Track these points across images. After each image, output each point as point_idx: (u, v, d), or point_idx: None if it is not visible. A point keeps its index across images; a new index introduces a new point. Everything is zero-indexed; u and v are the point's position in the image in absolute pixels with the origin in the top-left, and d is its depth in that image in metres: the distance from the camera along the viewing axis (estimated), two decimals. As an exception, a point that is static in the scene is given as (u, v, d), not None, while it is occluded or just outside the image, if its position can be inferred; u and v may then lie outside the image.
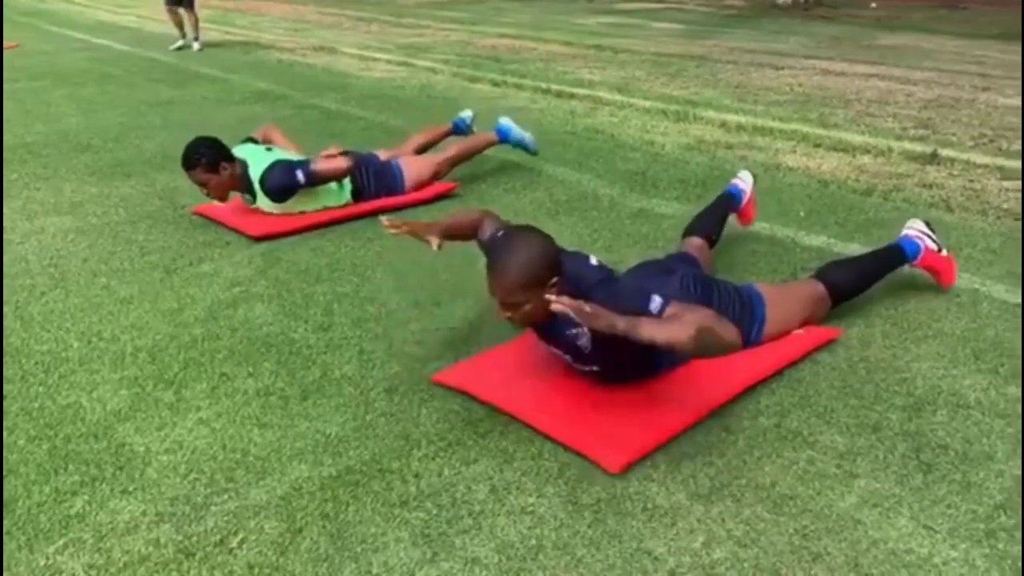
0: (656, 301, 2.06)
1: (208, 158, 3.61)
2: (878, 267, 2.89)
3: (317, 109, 6.33)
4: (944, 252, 3.01)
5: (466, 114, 4.69)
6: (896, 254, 2.92)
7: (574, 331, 2.18)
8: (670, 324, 1.96)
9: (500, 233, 2.31)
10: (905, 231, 3.01)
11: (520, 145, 4.39)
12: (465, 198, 4.16)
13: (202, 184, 3.65)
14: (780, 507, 1.93)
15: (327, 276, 3.27)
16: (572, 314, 1.92)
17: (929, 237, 2.98)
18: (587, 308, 1.91)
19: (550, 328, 2.23)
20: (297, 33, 11.05)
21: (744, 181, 3.32)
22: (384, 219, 2.57)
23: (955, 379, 2.47)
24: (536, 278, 2.06)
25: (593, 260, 2.29)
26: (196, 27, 9.43)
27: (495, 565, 1.78)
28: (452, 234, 2.55)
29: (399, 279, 3.22)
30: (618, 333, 1.93)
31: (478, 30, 11.04)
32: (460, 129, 4.63)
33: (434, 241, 2.49)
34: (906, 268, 2.96)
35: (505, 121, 4.38)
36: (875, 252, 2.98)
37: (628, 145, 5.17)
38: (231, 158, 3.69)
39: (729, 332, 1.99)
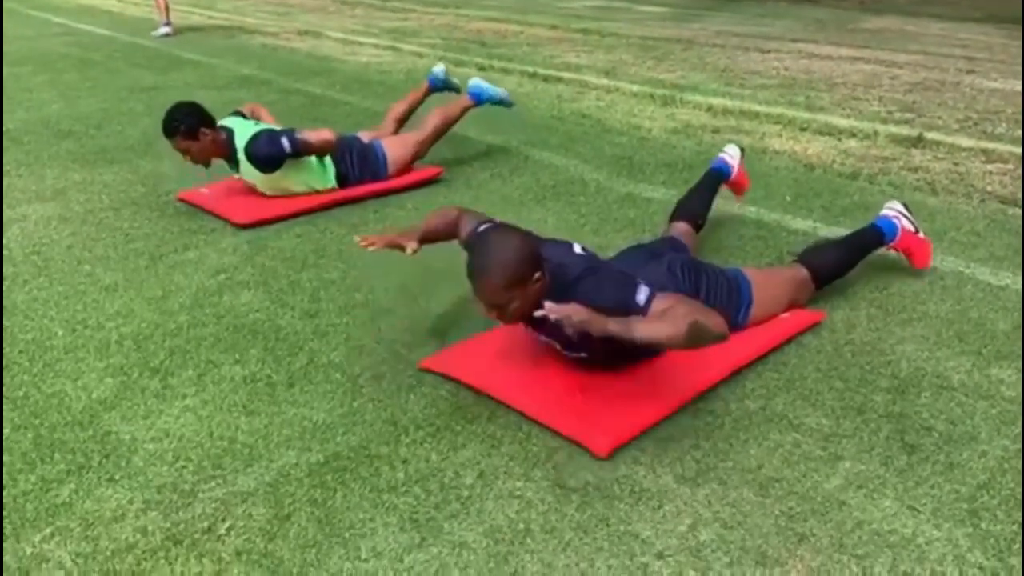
0: (643, 293, 2.06)
1: (187, 125, 3.61)
2: (858, 249, 2.91)
3: (302, 94, 6.28)
4: (921, 234, 3.03)
5: (438, 68, 4.65)
6: (875, 235, 2.94)
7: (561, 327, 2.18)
8: (661, 322, 1.98)
9: (478, 232, 2.30)
10: (883, 212, 3.02)
11: (496, 101, 4.36)
12: (452, 183, 4.14)
13: (184, 151, 3.65)
14: (766, 489, 1.95)
15: (313, 263, 3.25)
16: (563, 322, 1.92)
17: (906, 218, 2.99)
18: (576, 316, 1.93)
19: (538, 319, 2.23)
20: (281, 17, 10.95)
21: (730, 155, 3.31)
22: (357, 238, 2.53)
23: (939, 361, 2.49)
24: (518, 277, 2.05)
25: (577, 247, 2.29)
26: (166, 11, 9.31)
27: (483, 549, 1.79)
28: (430, 238, 2.51)
29: (386, 266, 3.20)
30: (611, 336, 1.95)
31: (464, 14, 10.97)
32: (436, 85, 4.60)
33: (410, 246, 2.46)
34: (883, 250, 2.98)
35: (475, 81, 4.35)
36: (854, 234, 2.99)
37: (615, 130, 5.16)
38: (212, 124, 3.68)
39: (717, 324, 2.01)
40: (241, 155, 3.68)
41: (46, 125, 5.41)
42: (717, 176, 3.24)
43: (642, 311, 2.05)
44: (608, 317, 1.99)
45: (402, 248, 2.47)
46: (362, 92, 6.33)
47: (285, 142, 3.65)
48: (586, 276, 2.14)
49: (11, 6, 12.40)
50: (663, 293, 2.12)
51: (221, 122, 3.76)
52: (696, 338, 1.97)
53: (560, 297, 2.06)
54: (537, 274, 2.08)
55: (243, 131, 3.71)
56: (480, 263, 2.08)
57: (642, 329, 1.97)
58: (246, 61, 7.67)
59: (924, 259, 3.02)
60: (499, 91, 4.36)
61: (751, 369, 2.42)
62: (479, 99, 4.30)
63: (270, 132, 3.70)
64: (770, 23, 9.99)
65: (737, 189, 3.39)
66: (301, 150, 3.70)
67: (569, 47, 8.32)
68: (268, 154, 3.65)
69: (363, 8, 11.92)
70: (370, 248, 2.46)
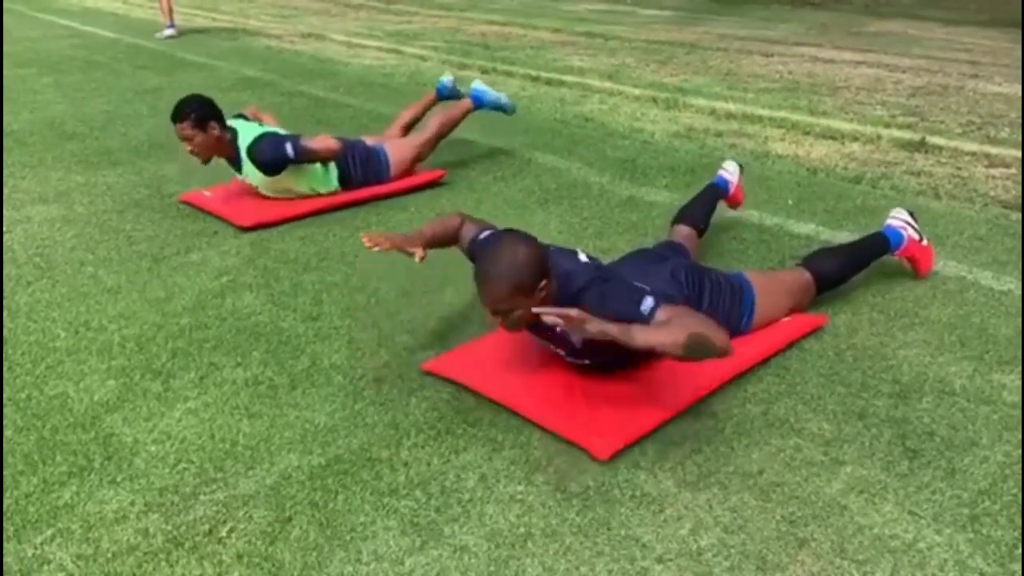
0: (648, 302, 2.06)
1: (198, 113, 3.60)
2: (863, 256, 2.90)
3: (305, 96, 6.29)
4: (925, 241, 3.03)
5: (447, 78, 4.66)
6: (880, 243, 2.94)
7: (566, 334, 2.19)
8: (662, 329, 1.98)
9: (483, 238, 2.29)
10: (889, 220, 3.02)
11: (496, 107, 4.36)
12: (454, 186, 4.15)
13: (187, 139, 3.62)
14: (767, 494, 1.95)
15: (316, 265, 3.26)
16: (561, 323, 1.93)
17: (912, 227, 3.00)
18: (574, 315, 1.92)
19: (543, 325, 2.23)
20: (285, 19, 10.97)
21: (729, 171, 3.32)
22: (364, 237, 2.47)
23: (941, 366, 2.48)
24: (524, 284, 2.05)
25: (582, 255, 2.29)
26: (170, 13, 9.33)
27: (484, 553, 1.79)
28: (434, 242, 2.50)
29: (388, 268, 3.21)
30: (611, 339, 1.95)
31: (467, 16, 10.98)
32: (443, 94, 4.62)
33: (418, 252, 2.42)
34: (887, 257, 2.98)
35: (477, 85, 4.35)
36: (860, 241, 2.99)
37: (618, 133, 5.16)
38: (222, 121, 3.68)
39: (720, 339, 2.00)
40: (244, 157, 3.68)
41: (50, 126, 5.43)
42: (715, 191, 3.24)
43: (646, 320, 2.05)
44: (608, 322, 1.99)
45: (409, 253, 2.44)
46: (365, 95, 6.33)
47: (289, 148, 3.65)
48: (592, 285, 2.14)
49: (17, 8, 12.44)
50: (670, 303, 2.11)
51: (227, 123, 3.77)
52: (696, 349, 1.95)
53: (566, 305, 2.06)
54: (543, 282, 2.08)
55: (247, 133, 3.72)
56: (487, 269, 2.07)
57: (642, 334, 1.97)
58: (250, 63, 7.68)
59: (927, 266, 3.03)
60: (501, 96, 4.36)
61: (753, 373, 2.42)
62: (480, 103, 4.31)
63: (275, 136, 3.70)
64: (773, 27, 9.99)
65: (732, 203, 3.39)
66: (304, 157, 3.71)
67: (572, 50, 8.32)
68: (272, 158, 3.65)
69: (367, 11, 11.93)
70: (375, 248, 2.44)
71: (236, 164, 3.76)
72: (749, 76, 6.90)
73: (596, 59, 7.79)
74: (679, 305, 2.15)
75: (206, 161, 3.74)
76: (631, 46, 8.53)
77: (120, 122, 5.52)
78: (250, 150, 3.66)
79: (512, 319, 2.12)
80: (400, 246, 2.45)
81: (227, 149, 3.71)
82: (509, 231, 2.22)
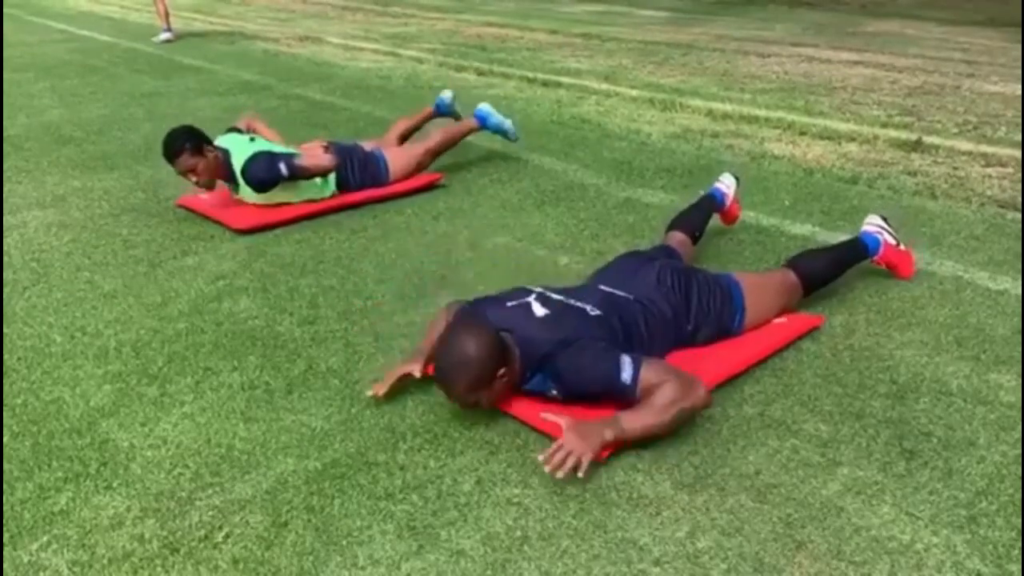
0: (627, 370, 2.08)
1: (192, 143, 3.59)
2: (844, 260, 2.92)
3: (302, 100, 6.29)
4: (902, 246, 3.03)
5: (446, 94, 4.67)
6: (859, 249, 2.95)
7: (542, 391, 2.21)
8: (648, 412, 2.04)
9: (441, 332, 2.23)
10: (865, 227, 3.03)
11: (499, 131, 4.37)
12: (451, 188, 4.15)
13: (190, 170, 3.60)
14: (764, 496, 1.95)
15: (312, 269, 3.25)
16: (569, 467, 1.92)
17: (887, 231, 3.00)
18: (576, 447, 1.93)
19: (521, 391, 2.24)
20: (282, 23, 10.97)
21: (726, 184, 3.31)
22: (369, 393, 2.32)
23: (938, 366, 2.48)
24: (481, 379, 2.08)
25: (536, 308, 2.24)
26: (167, 17, 9.33)
27: (481, 557, 1.78)
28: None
29: (385, 271, 3.21)
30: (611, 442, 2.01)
31: (464, 19, 10.99)
32: (442, 110, 4.63)
33: (416, 369, 2.32)
34: (867, 264, 2.98)
35: (484, 107, 4.36)
36: (840, 246, 3.01)
37: (615, 134, 5.17)
38: (211, 143, 3.67)
39: (698, 398, 2.09)
40: (239, 177, 3.68)
41: (47, 131, 5.42)
42: (711, 202, 3.24)
43: (631, 391, 2.07)
44: (601, 427, 2.01)
45: (410, 376, 2.33)
46: (362, 97, 6.33)
47: (283, 167, 3.64)
48: (558, 352, 2.13)
49: (13, 12, 12.43)
50: (649, 363, 2.11)
51: (217, 141, 3.75)
52: (681, 422, 2.10)
53: (535, 372, 2.15)
54: (502, 370, 2.10)
55: (240, 152, 3.70)
56: (442, 373, 2.10)
57: (631, 428, 2.04)
58: (247, 67, 7.68)
59: (907, 270, 3.03)
60: (505, 122, 4.35)
61: (749, 375, 2.42)
62: (484, 124, 4.31)
63: (269, 156, 3.67)
64: (770, 27, 10.00)
65: (727, 219, 3.39)
66: (299, 175, 3.71)
67: (569, 52, 8.33)
68: (265, 178, 3.65)
69: (363, 13, 11.94)
70: (379, 396, 2.30)
71: (232, 183, 3.76)
72: (746, 77, 6.91)
73: (593, 60, 7.80)
74: (657, 363, 2.16)
75: (211, 186, 3.71)
76: (628, 47, 8.54)
77: (117, 126, 5.52)
78: (244, 171, 3.65)
79: (482, 405, 2.17)
80: (402, 378, 2.32)
81: (223, 171, 3.70)
82: (458, 323, 2.18)
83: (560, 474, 1.91)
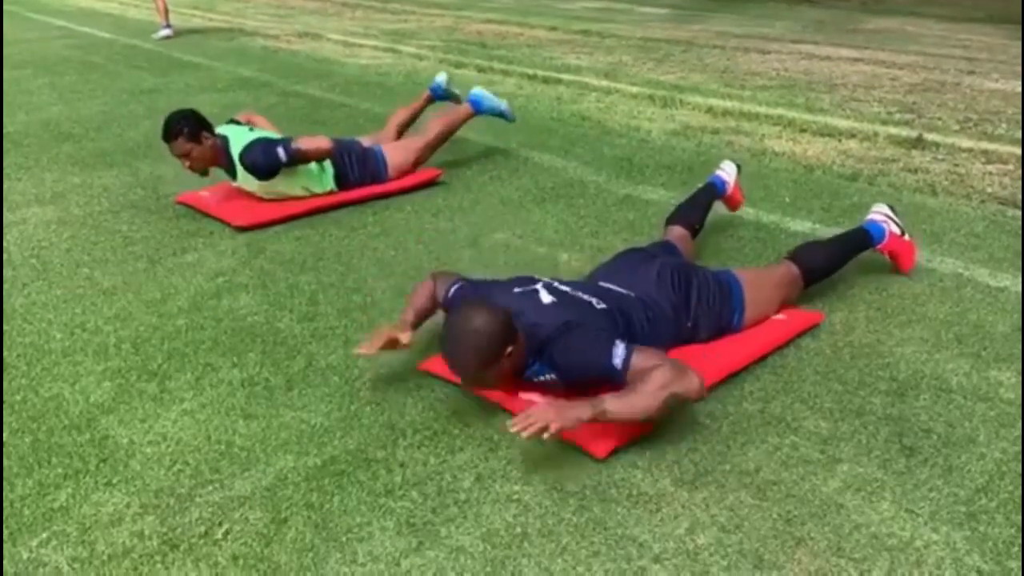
0: (619, 354, 2.07)
1: (190, 127, 3.61)
2: (846, 249, 2.91)
3: (302, 96, 6.28)
4: (907, 237, 3.03)
5: (440, 77, 4.66)
6: (863, 237, 2.95)
7: (542, 378, 2.21)
8: (635, 396, 2.00)
9: (452, 295, 2.31)
10: (870, 215, 3.03)
11: (495, 113, 4.36)
12: (451, 185, 4.14)
13: (184, 155, 3.64)
14: (764, 492, 1.95)
15: (312, 265, 3.25)
16: (537, 429, 1.91)
17: (893, 221, 3.00)
18: (548, 421, 1.91)
19: (521, 377, 2.24)
20: (281, 19, 10.96)
21: (726, 171, 3.31)
22: (355, 351, 2.38)
23: (938, 363, 2.48)
24: (489, 358, 2.06)
25: (543, 295, 2.26)
26: (166, 13, 9.32)
27: (480, 553, 1.78)
28: (420, 318, 2.45)
29: (384, 268, 3.21)
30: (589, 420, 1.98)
31: (464, 15, 10.97)
32: (438, 94, 4.62)
33: (404, 337, 2.34)
34: (869, 252, 2.97)
35: (477, 90, 4.34)
36: (843, 235, 3.00)
37: (615, 131, 5.16)
38: (211, 130, 3.68)
39: (691, 387, 2.04)
40: (238, 163, 3.68)
41: (46, 128, 5.42)
42: (712, 191, 3.23)
43: (619, 375, 2.06)
44: (579, 404, 1.99)
45: (397, 343, 2.34)
46: (361, 94, 6.33)
47: (281, 151, 3.64)
48: (557, 337, 2.13)
49: (12, 9, 12.41)
50: (641, 350, 2.09)
51: (217, 130, 3.76)
52: (670, 408, 2.05)
53: (535, 357, 2.15)
54: (509, 348, 2.08)
55: (239, 139, 3.71)
56: (450, 348, 2.08)
57: (615, 409, 1.99)
58: (246, 63, 7.67)
59: (909, 261, 3.03)
60: (501, 104, 4.35)
61: (749, 372, 2.42)
62: (478, 108, 4.30)
63: (266, 141, 3.69)
64: (770, 24, 9.98)
65: (731, 204, 3.38)
66: (297, 159, 3.70)
67: (569, 48, 8.31)
68: (265, 162, 3.64)
69: (363, 10, 11.92)
70: (366, 354, 2.33)
71: (230, 171, 3.76)
72: (746, 73, 6.90)
73: (593, 57, 7.78)
74: (652, 350, 2.14)
75: (204, 173, 3.75)
76: (627, 44, 8.52)
77: (116, 123, 5.51)
78: (242, 156, 3.65)
79: (487, 385, 2.18)
80: (389, 344, 2.34)
81: (221, 157, 3.71)
82: (468, 302, 2.20)
83: (525, 434, 1.90)
